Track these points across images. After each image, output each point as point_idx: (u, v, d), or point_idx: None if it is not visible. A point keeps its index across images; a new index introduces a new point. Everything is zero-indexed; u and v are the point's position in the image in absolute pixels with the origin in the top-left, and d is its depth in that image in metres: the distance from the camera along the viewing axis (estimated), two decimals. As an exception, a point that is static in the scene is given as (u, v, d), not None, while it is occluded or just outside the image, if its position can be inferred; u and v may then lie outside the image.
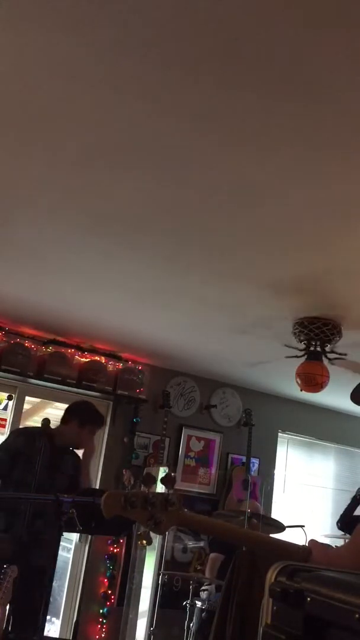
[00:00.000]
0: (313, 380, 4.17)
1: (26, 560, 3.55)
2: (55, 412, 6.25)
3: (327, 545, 1.54)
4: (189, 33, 1.81)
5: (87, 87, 2.11)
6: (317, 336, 4.05)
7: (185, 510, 1.50)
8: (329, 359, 4.20)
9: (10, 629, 3.63)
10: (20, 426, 5.33)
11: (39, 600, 3.88)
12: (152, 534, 1.56)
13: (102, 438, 5.58)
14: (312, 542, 1.54)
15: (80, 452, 3.99)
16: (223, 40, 1.82)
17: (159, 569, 5.42)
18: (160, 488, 1.53)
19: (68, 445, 3.90)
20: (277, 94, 2.01)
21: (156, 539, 5.67)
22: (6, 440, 3.97)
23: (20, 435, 3.87)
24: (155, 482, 1.47)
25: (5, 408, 5.48)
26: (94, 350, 5.43)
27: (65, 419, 3.93)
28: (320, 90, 1.97)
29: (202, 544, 5.71)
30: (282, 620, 0.94)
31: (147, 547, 5.58)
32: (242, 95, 2.03)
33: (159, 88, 2.06)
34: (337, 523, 5.04)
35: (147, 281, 3.86)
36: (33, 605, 3.75)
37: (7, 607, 3.58)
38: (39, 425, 3.68)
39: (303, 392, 4.39)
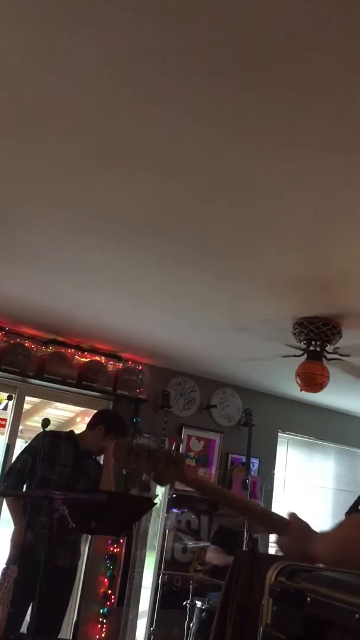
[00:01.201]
0: (313, 380, 4.18)
1: (53, 561, 3.61)
2: (55, 412, 6.27)
3: (307, 525, 1.54)
4: (191, 34, 1.81)
5: (89, 87, 2.11)
6: (317, 336, 4.05)
7: (188, 470, 1.59)
8: (328, 359, 4.20)
9: (27, 630, 3.64)
10: (21, 426, 5.36)
11: (65, 601, 3.95)
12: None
13: (102, 438, 5.59)
14: (293, 515, 1.54)
15: (100, 458, 4.20)
16: (226, 42, 1.81)
17: (159, 569, 5.42)
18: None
19: (90, 450, 4.08)
20: (280, 96, 2.01)
21: (156, 538, 5.68)
22: (31, 442, 4.09)
23: (45, 437, 3.96)
24: (163, 439, 1.55)
25: (5, 408, 5.48)
26: (94, 350, 5.43)
27: (92, 425, 4.12)
28: (324, 93, 1.97)
29: (201, 544, 5.70)
30: (282, 620, 0.94)
31: (147, 546, 5.59)
32: (245, 97, 2.03)
33: (160, 89, 2.06)
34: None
35: (147, 281, 3.86)
36: (59, 606, 3.81)
37: (11, 606, 3.59)
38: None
39: (303, 392, 4.39)
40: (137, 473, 1.50)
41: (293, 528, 1.49)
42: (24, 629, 3.73)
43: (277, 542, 1.50)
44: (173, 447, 1.45)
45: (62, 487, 3.76)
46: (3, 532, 4.18)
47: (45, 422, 3.83)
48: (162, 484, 1.59)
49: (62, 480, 3.88)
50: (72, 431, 4.23)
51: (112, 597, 5.28)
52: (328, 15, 1.67)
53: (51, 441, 3.93)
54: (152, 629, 4.86)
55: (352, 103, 2.01)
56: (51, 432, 3.99)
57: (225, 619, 2.89)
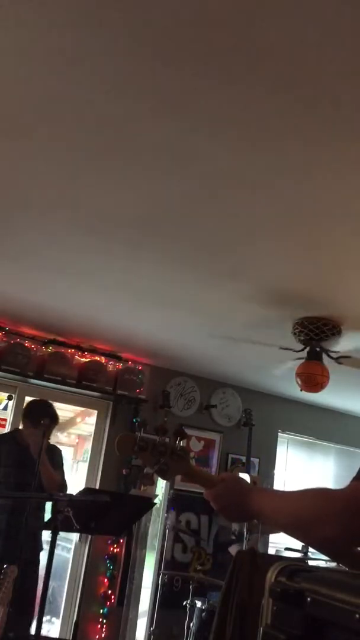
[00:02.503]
0: (313, 380, 4.17)
1: (16, 555, 3.68)
2: (55, 412, 6.25)
3: (245, 480, 1.54)
4: (189, 32, 1.81)
5: (87, 87, 2.11)
6: (317, 336, 4.05)
7: (192, 464, 1.57)
8: (332, 358, 4.20)
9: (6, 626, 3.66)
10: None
11: (33, 595, 4.01)
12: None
13: (103, 438, 5.59)
14: (226, 475, 1.54)
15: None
16: (223, 41, 1.82)
17: (159, 569, 5.42)
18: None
19: (26, 442, 4.07)
20: (276, 93, 2.01)
21: (156, 538, 5.68)
22: None
23: None
24: (166, 433, 1.56)
25: (5, 408, 5.48)
26: (94, 350, 5.43)
27: (22, 420, 4.20)
28: (320, 91, 1.97)
29: (202, 544, 5.70)
30: (282, 620, 0.94)
31: (147, 546, 5.59)
32: (241, 96, 2.03)
33: (158, 88, 2.06)
34: None
35: (147, 281, 3.86)
36: (28, 600, 3.88)
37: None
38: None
39: (303, 392, 4.39)
40: (148, 460, 1.50)
41: (228, 479, 1.49)
42: None
43: (209, 494, 1.49)
44: (177, 442, 1.47)
45: (13, 486, 3.85)
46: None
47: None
48: (166, 478, 1.60)
49: (10, 480, 3.94)
50: (14, 430, 4.32)
51: (112, 597, 5.29)
52: (326, 11, 1.67)
53: None
54: (152, 629, 4.86)
55: (349, 103, 2.01)
56: None
57: (225, 619, 2.89)
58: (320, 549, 1.33)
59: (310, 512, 1.22)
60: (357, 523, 1.13)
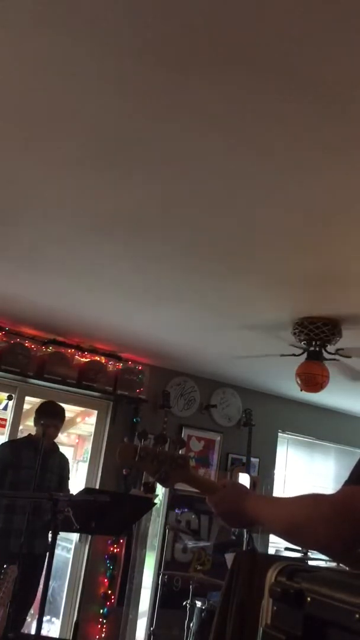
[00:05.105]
0: (313, 380, 4.17)
1: (30, 550, 3.76)
2: (55, 412, 6.25)
3: (244, 486, 1.55)
4: (190, 34, 1.81)
5: (88, 87, 2.11)
6: (317, 336, 4.05)
7: (193, 471, 1.60)
8: (328, 359, 4.20)
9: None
10: (21, 426, 5.37)
11: (35, 589, 4.06)
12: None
13: (103, 438, 5.59)
14: (226, 481, 1.56)
15: (62, 447, 4.60)
16: (223, 41, 1.82)
17: (159, 569, 5.42)
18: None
19: (45, 445, 4.22)
20: (278, 95, 2.01)
21: (156, 539, 5.68)
22: None
23: (5, 447, 4.35)
24: (166, 442, 1.58)
25: (5, 408, 5.49)
26: (94, 350, 5.43)
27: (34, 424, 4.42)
28: (324, 91, 1.97)
29: (201, 544, 5.71)
30: (282, 620, 0.94)
31: (147, 546, 5.59)
32: (243, 96, 2.03)
33: (159, 89, 2.06)
34: None
35: (148, 281, 3.86)
36: (31, 595, 3.95)
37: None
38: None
39: (303, 392, 4.39)
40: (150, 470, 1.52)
41: (228, 486, 1.52)
42: None
43: (210, 500, 1.51)
44: (176, 449, 1.49)
45: (30, 487, 3.98)
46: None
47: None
48: (167, 486, 1.63)
49: (30, 482, 4.02)
50: (30, 435, 4.48)
51: (112, 597, 5.29)
52: (330, 15, 1.67)
53: (10, 449, 4.25)
54: (152, 629, 4.86)
55: (353, 103, 2.01)
56: (9, 441, 4.41)
57: (225, 619, 2.90)
58: (319, 552, 1.34)
59: (301, 518, 1.23)
60: (348, 528, 1.13)
